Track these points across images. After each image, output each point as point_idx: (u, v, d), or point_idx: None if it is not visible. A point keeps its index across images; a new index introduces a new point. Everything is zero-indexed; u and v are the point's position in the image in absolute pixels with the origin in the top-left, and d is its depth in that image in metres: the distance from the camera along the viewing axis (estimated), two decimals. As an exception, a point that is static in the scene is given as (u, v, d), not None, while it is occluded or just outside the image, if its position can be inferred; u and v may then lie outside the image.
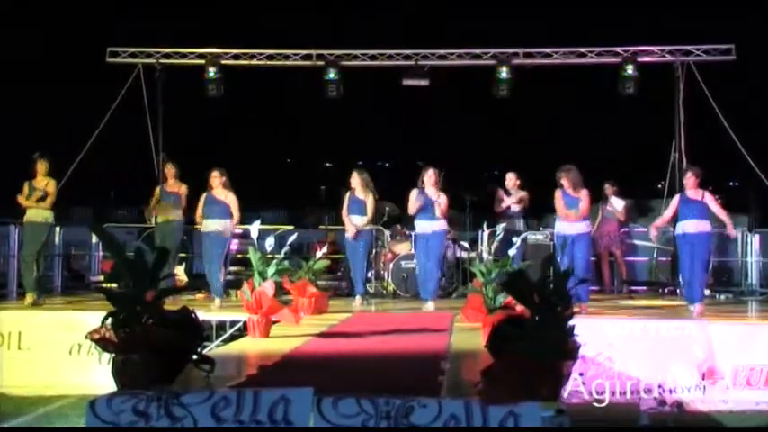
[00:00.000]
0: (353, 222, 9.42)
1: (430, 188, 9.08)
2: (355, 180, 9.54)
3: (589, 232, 8.77)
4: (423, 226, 9.13)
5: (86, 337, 3.92)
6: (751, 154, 10.37)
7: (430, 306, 8.84)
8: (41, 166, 9.17)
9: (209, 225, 9.15)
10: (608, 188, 11.21)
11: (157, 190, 10.15)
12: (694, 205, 8.42)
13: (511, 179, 10.63)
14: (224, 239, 9.11)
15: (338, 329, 6.81)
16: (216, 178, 9.18)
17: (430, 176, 9.06)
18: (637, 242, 12.26)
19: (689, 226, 8.40)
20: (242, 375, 4.44)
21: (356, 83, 12.48)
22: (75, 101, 16.37)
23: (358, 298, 9.51)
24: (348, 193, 9.59)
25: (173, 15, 17.82)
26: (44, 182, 9.18)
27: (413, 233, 10.97)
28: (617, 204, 11.09)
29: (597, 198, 10.57)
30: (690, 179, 8.51)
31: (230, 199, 9.19)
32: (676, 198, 8.70)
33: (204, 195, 9.29)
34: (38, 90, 17.41)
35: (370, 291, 10.78)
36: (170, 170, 10.03)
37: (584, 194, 8.57)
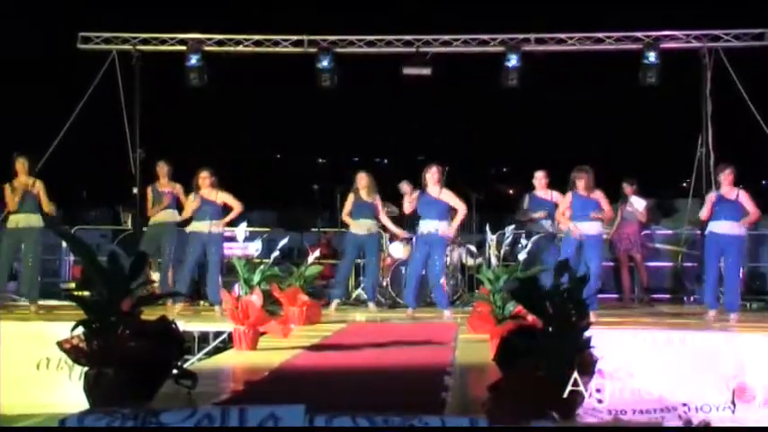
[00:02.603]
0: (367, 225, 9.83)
1: (433, 187, 9.17)
2: (363, 181, 9.88)
3: (601, 234, 8.89)
4: (425, 226, 9.20)
5: (57, 345, 3.92)
6: (785, 149, 10.38)
7: (448, 314, 9.00)
8: (21, 166, 9.30)
9: (199, 227, 9.24)
10: (627, 187, 11.19)
11: (148, 190, 10.23)
12: (728, 205, 8.74)
13: (540, 179, 10.27)
14: (221, 241, 9.24)
15: (332, 341, 6.82)
16: (205, 179, 9.31)
17: (432, 174, 9.14)
18: (659, 246, 12.26)
19: (720, 227, 8.75)
20: (227, 391, 4.45)
21: (352, 72, 12.48)
22: (43, 91, 16.39)
23: (371, 305, 9.90)
24: (351, 195, 9.90)
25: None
26: (29, 182, 9.31)
27: (414, 236, 11.02)
28: (637, 204, 11.06)
29: (615, 198, 10.56)
30: (728, 176, 8.79)
31: (222, 196, 9.33)
32: (712, 195, 8.98)
33: (191, 196, 9.41)
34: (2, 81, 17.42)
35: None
36: (162, 168, 10.21)
37: (600, 195, 8.74)
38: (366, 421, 3.14)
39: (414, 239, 10.85)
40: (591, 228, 8.68)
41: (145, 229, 10.63)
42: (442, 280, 9.29)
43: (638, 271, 11.40)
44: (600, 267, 8.96)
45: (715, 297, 8.93)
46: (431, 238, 9.16)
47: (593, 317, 8.26)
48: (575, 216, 8.78)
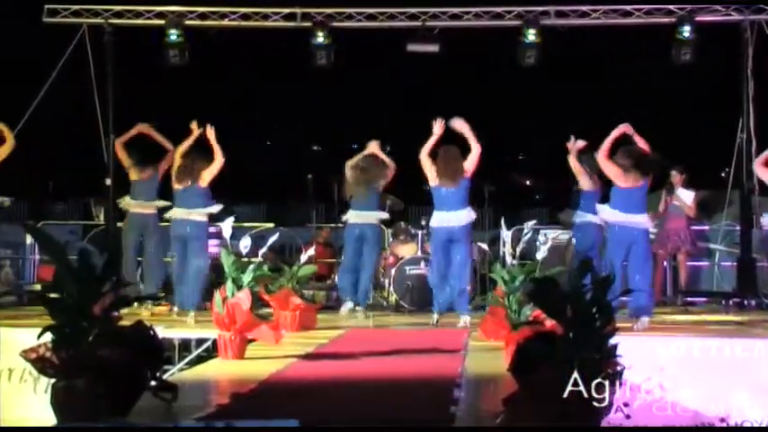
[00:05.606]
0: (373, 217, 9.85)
1: None
2: None
3: (648, 230, 8.79)
4: (444, 218, 8.93)
5: (21, 354, 3.93)
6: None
7: (467, 320, 8.67)
8: None
9: (179, 214, 9.20)
10: (675, 176, 11.06)
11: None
12: None
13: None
14: (204, 233, 9.23)
15: (328, 349, 6.84)
16: None
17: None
18: (711, 245, 12.21)
19: None
20: (211, 405, 4.47)
21: (350, 49, 12.47)
22: (2, 69, 16.37)
23: (357, 307, 9.76)
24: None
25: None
26: None
27: (420, 232, 11.02)
28: (685, 197, 10.94)
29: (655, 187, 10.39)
30: None
31: (203, 174, 9.22)
32: None
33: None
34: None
35: (368, 302, 10.81)
36: None
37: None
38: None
39: (420, 235, 10.87)
40: (638, 221, 8.58)
41: (120, 224, 10.64)
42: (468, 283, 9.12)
43: (679, 270, 11.35)
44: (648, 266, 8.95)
45: None
46: (452, 232, 8.84)
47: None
48: (618, 209, 8.67)
